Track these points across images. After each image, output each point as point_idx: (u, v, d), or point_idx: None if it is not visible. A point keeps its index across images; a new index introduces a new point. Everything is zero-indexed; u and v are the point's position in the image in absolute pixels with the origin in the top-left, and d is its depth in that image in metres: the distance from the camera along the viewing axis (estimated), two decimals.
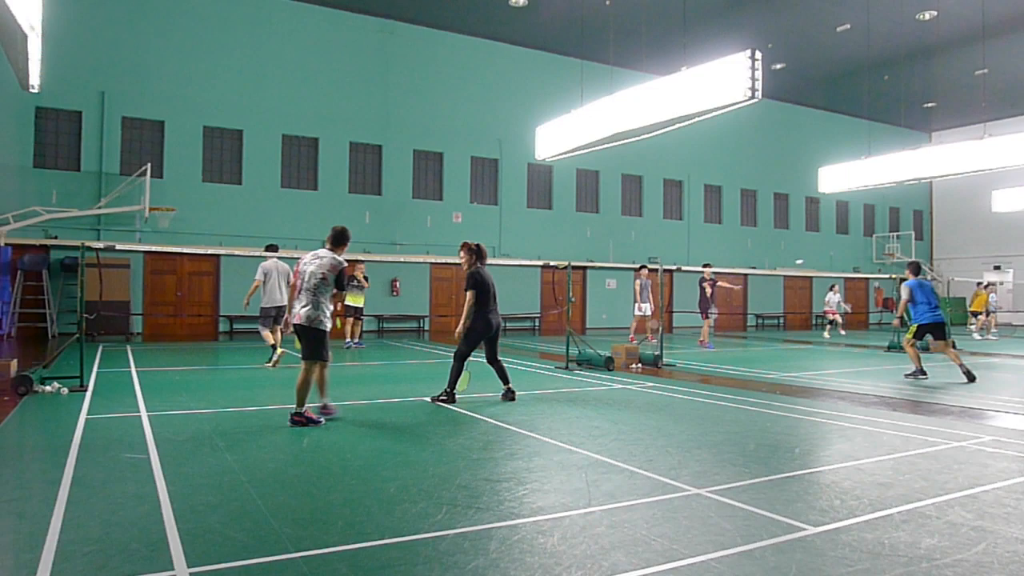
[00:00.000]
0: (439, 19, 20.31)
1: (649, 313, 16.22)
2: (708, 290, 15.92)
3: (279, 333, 10.71)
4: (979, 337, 20.41)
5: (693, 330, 23.91)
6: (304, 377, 6.19)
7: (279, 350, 10.60)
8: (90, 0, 16.74)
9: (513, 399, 7.66)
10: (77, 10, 16.16)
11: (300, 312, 6.22)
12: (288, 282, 10.52)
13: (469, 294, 7.46)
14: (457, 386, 7.51)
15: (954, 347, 10.66)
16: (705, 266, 16.86)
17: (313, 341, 6.24)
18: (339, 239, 6.52)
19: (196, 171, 17.92)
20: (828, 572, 2.96)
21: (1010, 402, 7.95)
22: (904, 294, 10.34)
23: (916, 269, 10.58)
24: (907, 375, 10.29)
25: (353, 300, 14.46)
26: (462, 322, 7.44)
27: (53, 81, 14.49)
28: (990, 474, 4.65)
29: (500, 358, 7.83)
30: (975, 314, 21.91)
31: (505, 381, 7.79)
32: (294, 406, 6.17)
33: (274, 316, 10.61)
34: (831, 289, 21.27)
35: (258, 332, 11.34)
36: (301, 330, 6.24)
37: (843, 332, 21.45)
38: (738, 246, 26.55)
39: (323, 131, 19.42)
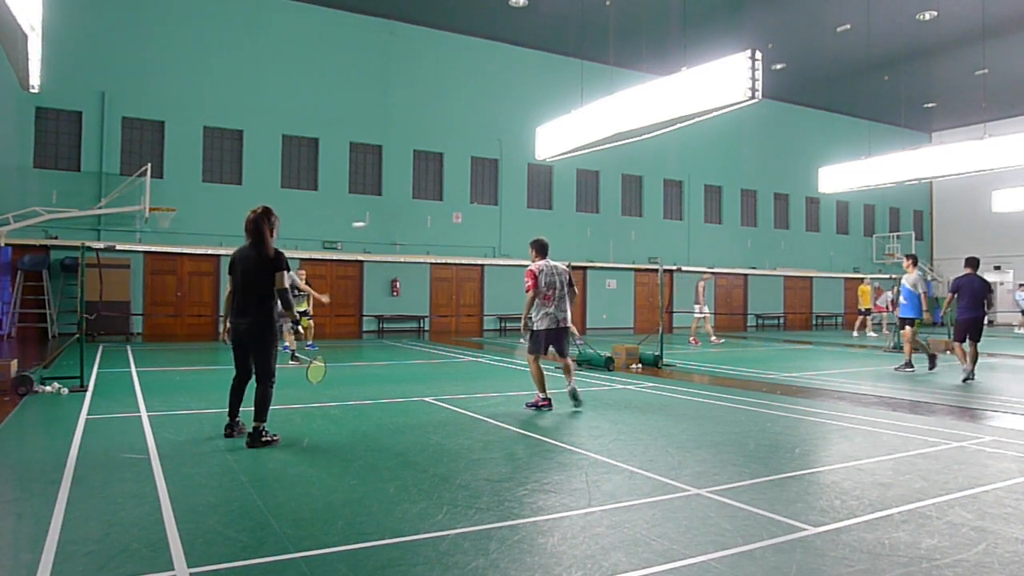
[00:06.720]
0: (439, 19, 20.31)
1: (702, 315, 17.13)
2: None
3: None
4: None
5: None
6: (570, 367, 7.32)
7: None
8: (90, 0, 16.75)
9: None
10: (77, 10, 16.15)
11: (567, 316, 7.20)
12: None
13: None
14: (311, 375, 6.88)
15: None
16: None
17: (567, 338, 7.31)
18: (547, 249, 7.51)
19: (196, 171, 17.92)
20: (828, 572, 2.95)
21: (1010, 402, 7.96)
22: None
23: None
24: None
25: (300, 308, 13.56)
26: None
27: (53, 81, 14.47)
28: (990, 474, 4.64)
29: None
30: None
31: None
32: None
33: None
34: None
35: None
36: (566, 331, 7.20)
37: (871, 333, 20.85)
38: (738, 246, 26.55)
39: (323, 131, 19.42)
